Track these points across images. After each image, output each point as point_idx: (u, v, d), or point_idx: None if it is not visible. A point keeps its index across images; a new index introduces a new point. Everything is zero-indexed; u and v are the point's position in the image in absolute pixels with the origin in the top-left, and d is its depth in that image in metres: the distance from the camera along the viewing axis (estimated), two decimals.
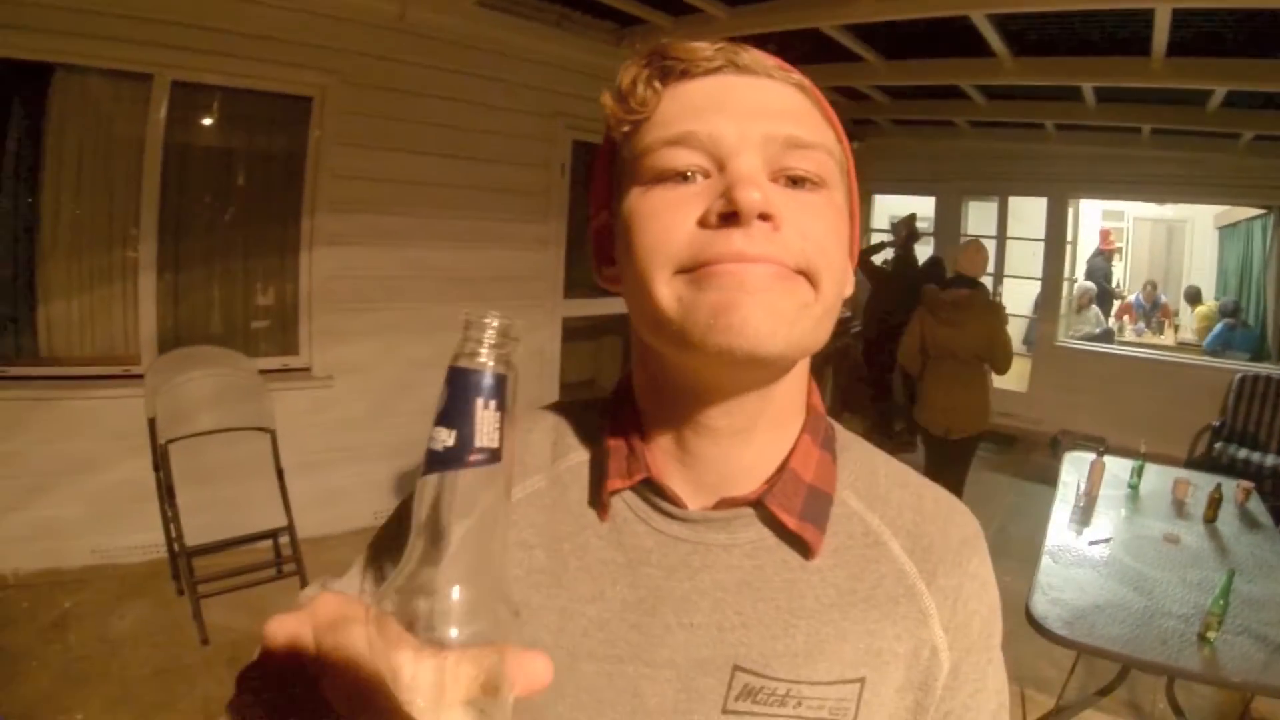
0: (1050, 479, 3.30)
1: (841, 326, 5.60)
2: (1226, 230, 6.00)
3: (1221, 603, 1.97)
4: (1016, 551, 3.42)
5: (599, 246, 0.54)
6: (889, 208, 7.42)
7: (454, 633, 0.28)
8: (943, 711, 0.51)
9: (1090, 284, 6.46)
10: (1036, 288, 6.14)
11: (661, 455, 0.51)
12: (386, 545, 0.57)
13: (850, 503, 0.53)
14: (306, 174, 3.15)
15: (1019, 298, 6.36)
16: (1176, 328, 6.30)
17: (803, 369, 0.53)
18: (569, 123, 4.05)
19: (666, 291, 0.44)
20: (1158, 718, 2.51)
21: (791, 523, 0.49)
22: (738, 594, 0.49)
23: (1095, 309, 6.39)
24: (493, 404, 0.30)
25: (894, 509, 0.53)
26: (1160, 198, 5.65)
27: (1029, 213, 6.07)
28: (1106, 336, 6.24)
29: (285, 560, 2.94)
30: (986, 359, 3.50)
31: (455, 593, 0.29)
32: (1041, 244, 5.95)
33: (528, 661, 0.30)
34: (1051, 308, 5.97)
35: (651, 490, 0.51)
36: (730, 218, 0.42)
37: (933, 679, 0.50)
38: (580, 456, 0.54)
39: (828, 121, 0.49)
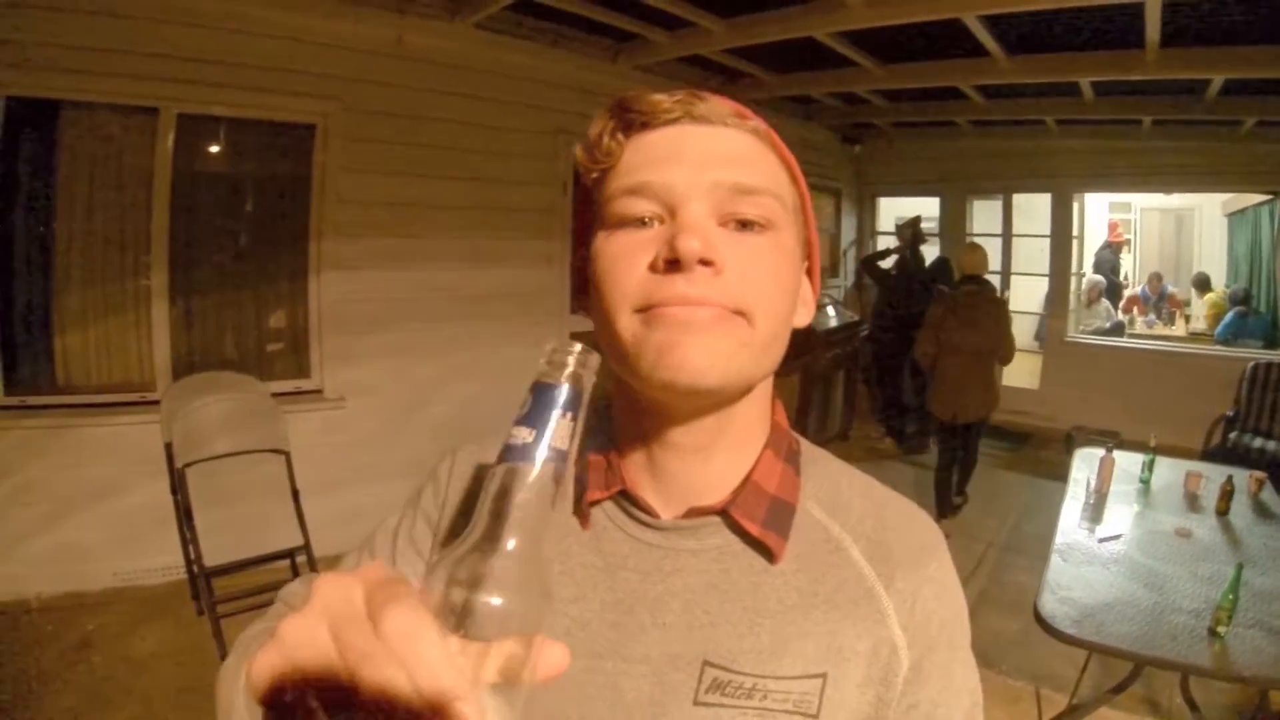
0: (1064, 475, 3.27)
1: (850, 331, 5.61)
2: (1235, 217, 5.92)
3: (1231, 597, 1.95)
4: (1030, 549, 3.48)
5: (578, 279, 0.58)
6: (895, 209, 7.43)
7: (497, 607, 0.31)
8: (906, 705, 0.53)
9: (1099, 277, 6.39)
10: (1045, 284, 6.09)
11: (635, 469, 0.55)
12: (409, 531, 0.62)
13: (813, 512, 0.56)
14: (312, 200, 3.22)
15: (1028, 295, 6.33)
16: (1188, 318, 6.21)
17: (764, 391, 0.56)
18: (570, 140, 4.09)
19: (625, 327, 0.48)
20: (1174, 713, 2.48)
21: (755, 530, 0.53)
22: (706, 595, 0.53)
23: (1105, 303, 6.32)
24: (568, 415, 0.35)
25: (855, 518, 0.57)
26: (1165, 188, 5.61)
27: (1035, 209, 6.03)
28: (1117, 330, 6.17)
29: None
30: (995, 351, 3.87)
31: (506, 574, 0.32)
32: (1048, 240, 5.91)
33: (550, 650, 0.33)
34: (1060, 304, 5.93)
35: (628, 501, 0.55)
36: (674, 264, 0.46)
37: (893, 675, 0.53)
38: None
39: (782, 164, 0.53)
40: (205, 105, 2.88)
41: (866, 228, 7.30)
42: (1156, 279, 6.54)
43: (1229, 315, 5.59)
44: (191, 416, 2.62)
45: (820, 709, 0.51)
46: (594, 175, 0.52)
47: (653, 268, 0.47)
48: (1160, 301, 6.48)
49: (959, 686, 0.56)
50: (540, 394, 0.35)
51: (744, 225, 0.49)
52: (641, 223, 0.49)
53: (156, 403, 2.84)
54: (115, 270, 2.85)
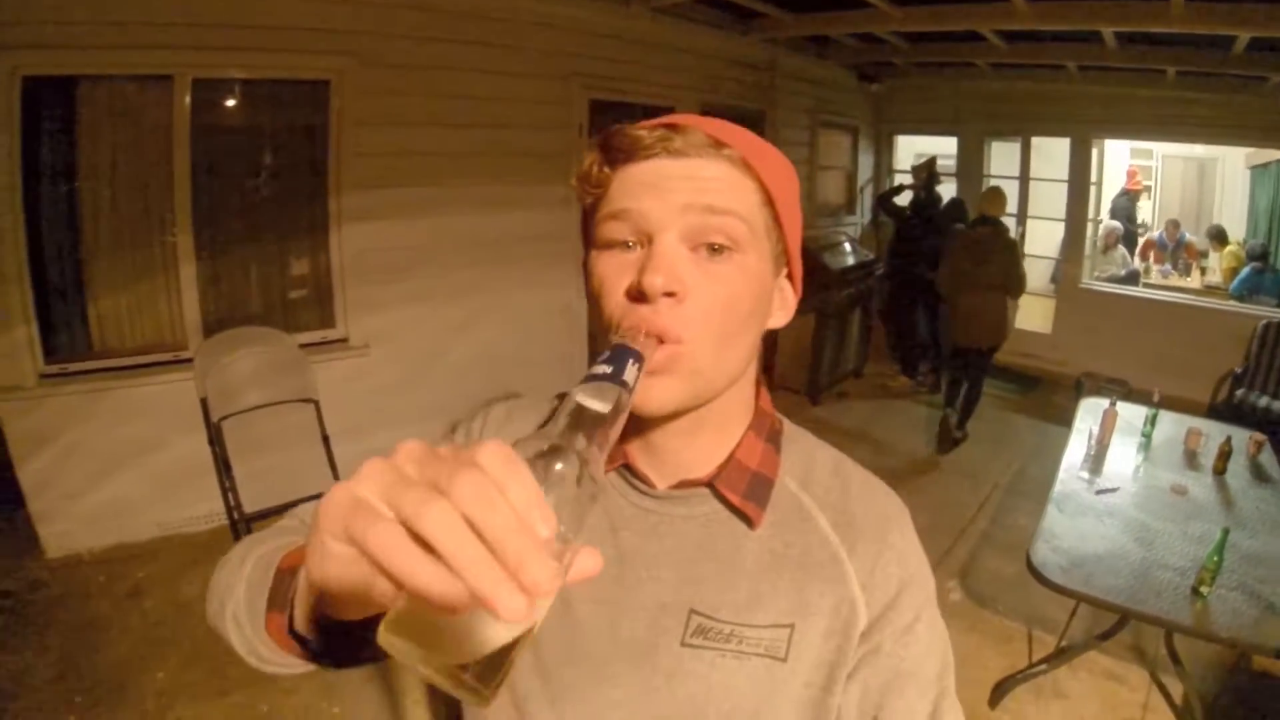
0: (1072, 421, 3.34)
1: (865, 269, 5.62)
2: (1258, 171, 5.74)
3: (1216, 559, 2.01)
4: (1033, 493, 3.53)
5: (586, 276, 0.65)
6: (912, 148, 7.29)
7: (563, 494, 0.36)
8: (864, 650, 0.62)
9: (1116, 224, 6.28)
10: (1062, 229, 5.99)
11: (634, 446, 0.64)
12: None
13: (789, 485, 0.66)
14: (330, 154, 3.23)
15: (1044, 238, 6.25)
16: (1204, 270, 6.12)
17: (745, 383, 0.64)
18: (584, 83, 4.09)
19: (606, 342, 0.55)
20: (1159, 662, 2.57)
21: (736, 500, 0.62)
22: (694, 554, 0.63)
23: (1121, 249, 6.23)
24: (636, 365, 0.45)
25: (824, 490, 0.66)
26: (1186, 139, 5.42)
27: (1054, 153, 5.88)
28: (1132, 278, 6.08)
29: None
30: (1005, 286, 4.18)
31: (571, 468, 0.37)
32: (1066, 184, 5.79)
33: (587, 554, 0.37)
34: (1076, 249, 5.85)
35: (629, 472, 0.64)
36: (641, 296, 0.52)
37: (852, 628, 0.62)
38: None
39: (758, 184, 0.57)
40: (219, 69, 2.88)
41: (883, 165, 7.18)
42: (1174, 225, 6.41)
43: (1245, 271, 5.49)
44: (224, 372, 2.71)
45: (788, 654, 0.61)
46: (588, 201, 0.59)
47: (627, 293, 0.54)
48: (1177, 249, 6.37)
49: (924, 646, 0.63)
50: (618, 349, 0.45)
51: (713, 250, 0.55)
52: (626, 245, 0.56)
53: (189, 360, 2.93)
54: (142, 235, 2.90)
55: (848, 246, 5.82)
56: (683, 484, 0.63)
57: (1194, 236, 6.39)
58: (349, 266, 3.39)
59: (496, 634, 0.32)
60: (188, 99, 2.81)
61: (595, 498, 0.38)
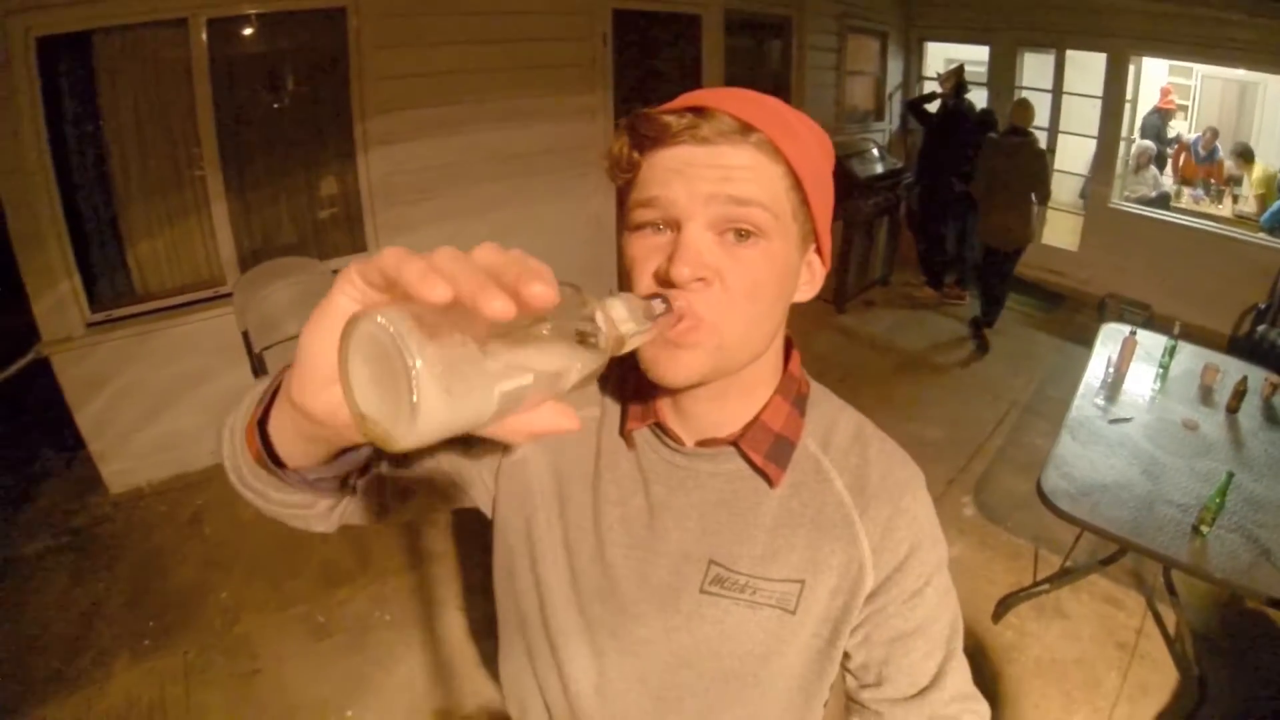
0: (1093, 342, 3.33)
1: (894, 178, 5.57)
2: None
3: (1218, 500, 2.04)
4: (1051, 413, 3.56)
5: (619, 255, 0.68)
6: (943, 55, 6.97)
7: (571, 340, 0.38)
8: (871, 609, 0.67)
9: (1149, 143, 6.04)
10: (1093, 145, 5.77)
11: (665, 406, 0.69)
12: None
13: (810, 447, 0.69)
14: (351, 81, 3.19)
15: (1074, 155, 6.02)
16: (1236, 198, 5.89)
17: (773, 352, 0.67)
18: None
19: None
20: (1158, 591, 2.67)
21: (758, 460, 0.66)
22: (717, 509, 0.68)
23: (1153, 170, 6.02)
24: (663, 304, 0.52)
25: (842, 454, 0.69)
26: (1227, 62, 5.09)
27: (1090, 67, 5.58)
28: (1163, 200, 5.87)
29: None
30: (1033, 191, 4.41)
31: (589, 324, 0.39)
32: (1100, 101, 5.53)
33: (567, 411, 0.39)
34: (1106, 169, 5.64)
35: (660, 430, 0.69)
36: (668, 282, 0.56)
37: (859, 587, 0.66)
38: (615, 397, 0.74)
39: (786, 168, 0.58)
40: (233, 6, 2.81)
41: (913, 72, 6.88)
42: (1212, 134, 6.13)
43: (1277, 203, 5.20)
44: (263, 304, 2.76)
45: (797, 607, 0.66)
46: (619, 183, 0.62)
47: (655, 276, 0.57)
48: (1210, 160, 6.13)
49: (931, 610, 0.67)
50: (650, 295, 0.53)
51: (740, 235, 0.57)
52: (655, 228, 0.58)
53: (229, 295, 3.01)
54: (172, 179, 2.92)
55: (876, 153, 5.69)
56: (710, 442, 0.68)
57: (1229, 160, 6.13)
58: (377, 189, 3.40)
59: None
60: (204, 39, 2.77)
61: (595, 374, 0.40)
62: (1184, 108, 6.30)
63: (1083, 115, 5.76)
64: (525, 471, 0.74)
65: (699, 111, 0.56)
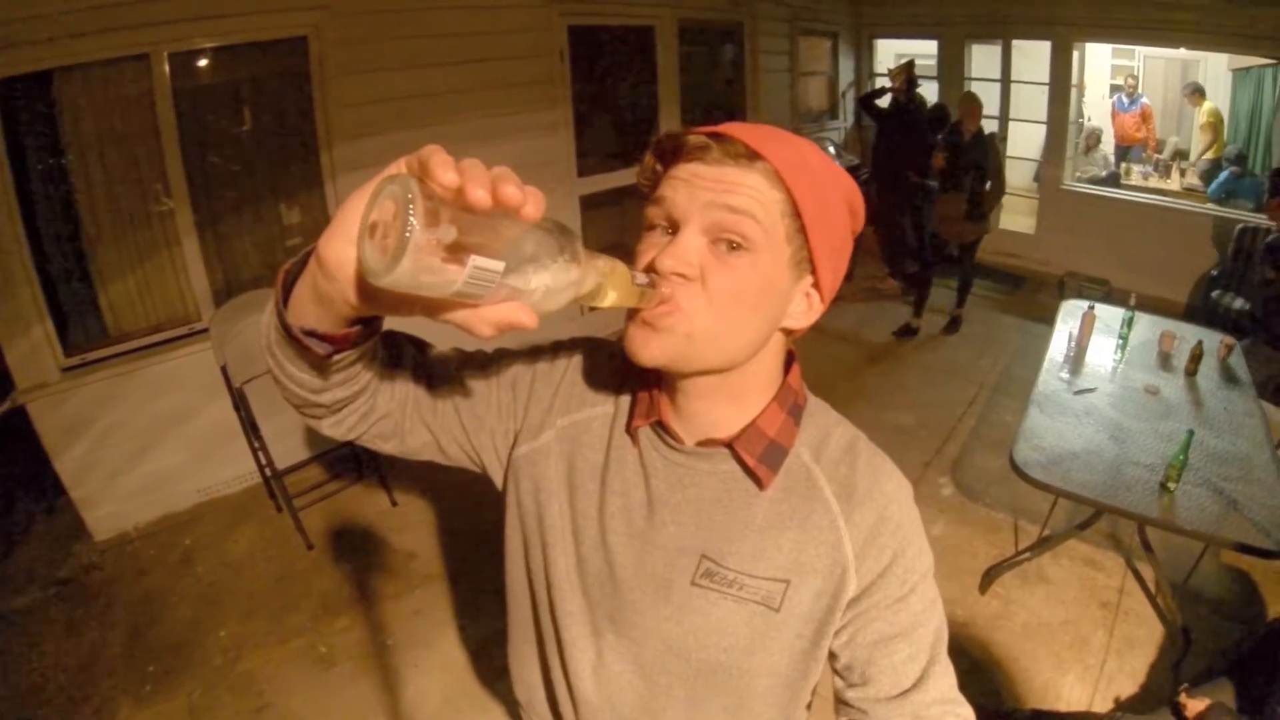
0: (1055, 320, 3.46)
1: (852, 174, 5.61)
2: (1239, 74, 5.63)
3: (1181, 458, 2.15)
4: (1019, 391, 3.65)
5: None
6: (893, 51, 7.14)
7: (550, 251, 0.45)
8: (854, 613, 0.70)
9: (1098, 125, 6.26)
10: (1043, 130, 5.96)
11: (666, 406, 0.73)
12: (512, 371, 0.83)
13: (803, 455, 0.72)
14: (315, 109, 3.20)
15: (1025, 141, 6.22)
16: (1183, 172, 6.12)
17: (768, 361, 0.70)
18: (563, 9, 4.04)
19: None
20: (1134, 549, 2.77)
21: (751, 462, 0.69)
22: (711, 506, 0.72)
23: (1103, 150, 6.24)
24: (639, 278, 0.58)
25: (833, 464, 0.72)
26: (1167, 43, 5.31)
27: (1038, 54, 5.79)
28: (1113, 179, 6.10)
29: (364, 463, 3.32)
30: (985, 186, 4.57)
31: (564, 241, 0.46)
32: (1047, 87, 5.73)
33: (524, 309, 0.46)
34: (1057, 151, 5.84)
35: (661, 428, 0.73)
36: (655, 271, 0.61)
37: (842, 591, 0.69)
38: (627, 394, 0.79)
39: (785, 196, 0.62)
40: (193, 41, 2.81)
41: (864, 69, 7.06)
42: (1132, 84, 6.37)
43: (1224, 175, 5.48)
44: (240, 338, 2.75)
45: (781, 606, 0.69)
46: (645, 190, 0.68)
47: (648, 266, 0.62)
48: (1134, 106, 6.35)
49: (915, 617, 0.69)
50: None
51: (730, 246, 0.61)
52: (663, 229, 0.64)
53: (205, 331, 2.98)
54: (141, 216, 2.90)
55: (832, 150, 5.81)
56: (708, 442, 0.71)
57: (1177, 138, 6.36)
58: None
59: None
60: (167, 75, 2.76)
61: (561, 301, 0.48)
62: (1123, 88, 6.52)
63: (1031, 102, 5.95)
64: (545, 460, 0.78)
65: (717, 136, 0.62)
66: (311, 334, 0.55)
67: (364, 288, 0.47)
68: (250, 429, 2.84)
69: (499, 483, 0.84)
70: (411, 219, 0.37)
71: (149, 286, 2.99)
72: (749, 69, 5.56)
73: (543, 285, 0.45)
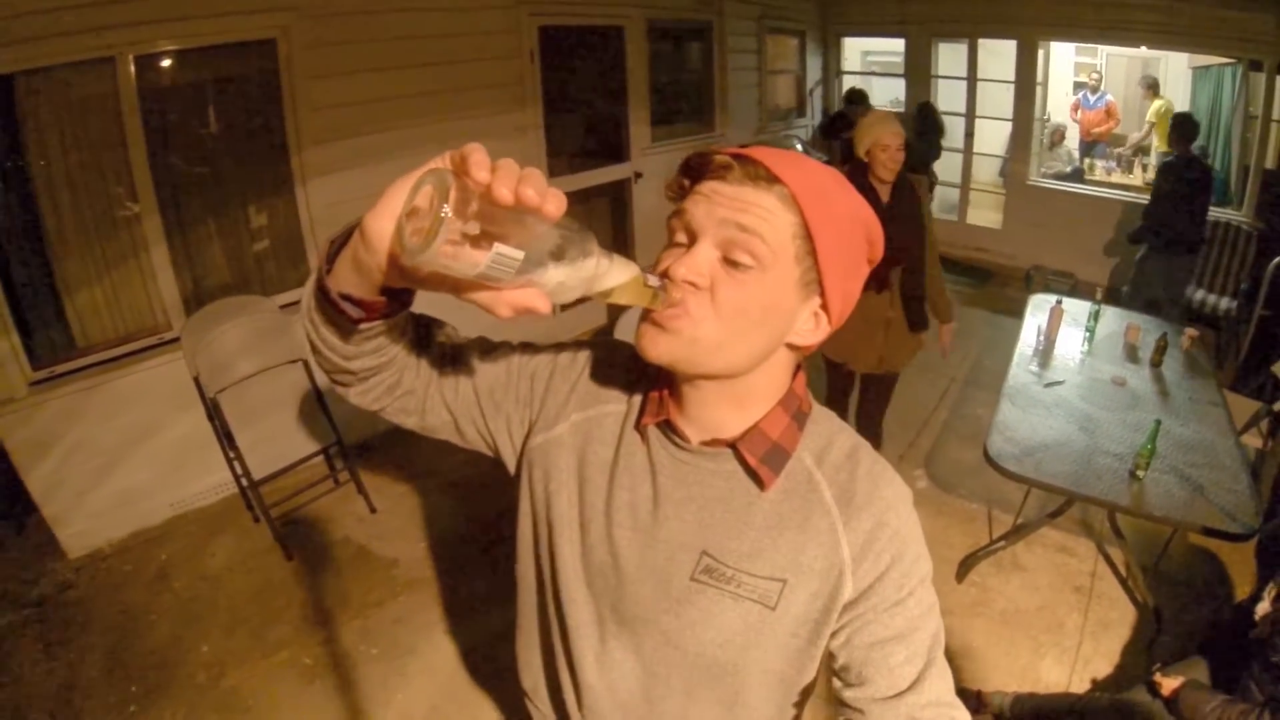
0: (1023, 313, 3.54)
1: None
2: (1199, 72, 5.79)
3: (1149, 447, 2.22)
4: (989, 383, 3.72)
5: None
6: (860, 49, 7.25)
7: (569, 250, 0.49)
8: (849, 617, 0.71)
9: (1063, 121, 6.41)
10: (1009, 128, 6.10)
11: (674, 405, 0.75)
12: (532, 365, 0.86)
13: (805, 459, 0.74)
14: (285, 113, 3.15)
15: (992, 137, 6.36)
16: (1145, 167, 6.29)
17: (774, 369, 0.73)
18: (532, 10, 4.03)
19: None
20: (1105, 536, 2.86)
21: (753, 462, 0.72)
22: (713, 504, 0.74)
23: (1067, 146, 6.38)
24: (651, 280, 0.61)
25: (834, 469, 0.74)
26: (1130, 42, 5.46)
27: (1004, 52, 5.90)
28: (1077, 175, 6.26)
29: (339, 471, 3.29)
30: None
31: (582, 240, 0.50)
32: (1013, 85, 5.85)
33: (540, 296, 0.51)
34: (1023, 148, 5.96)
35: (669, 427, 0.76)
36: (670, 278, 0.64)
37: (838, 593, 0.70)
38: (639, 394, 0.82)
39: (799, 219, 0.64)
40: (159, 43, 2.74)
41: (831, 68, 7.16)
42: (1096, 78, 6.57)
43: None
44: (211, 347, 2.72)
45: (777, 605, 0.71)
46: (671, 201, 0.72)
47: (663, 273, 0.65)
48: (1100, 103, 6.51)
49: (911, 621, 0.69)
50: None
51: (739, 263, 0.64)
52: (681, 241, 0.67)
53: (176, 340, 2.92)
54: (107, 224, 2.82)
55: (799, 148, 5.86)
56: (713, 442, 0.74)
57: (1138, 133, 6.52)
58: (318, 221, 3.36)
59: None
60: (134, 78, 2.69)
61: (574, 291, 0.52)
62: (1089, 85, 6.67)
63: (997, 99, 6.07)
64: (558, 452, 0.81)
65: (741, 158, 0.65)
66: (347, 299, 0.60)
67: (398, 262, 0.52)
68: (225, 439, 2.80)
69: (511, 468, 0.87)
70: (446, 207, 0.42)
71: (117, 296, 2.91)
72: (718, 68, 5.60)
73: (558, 277, 0.49)
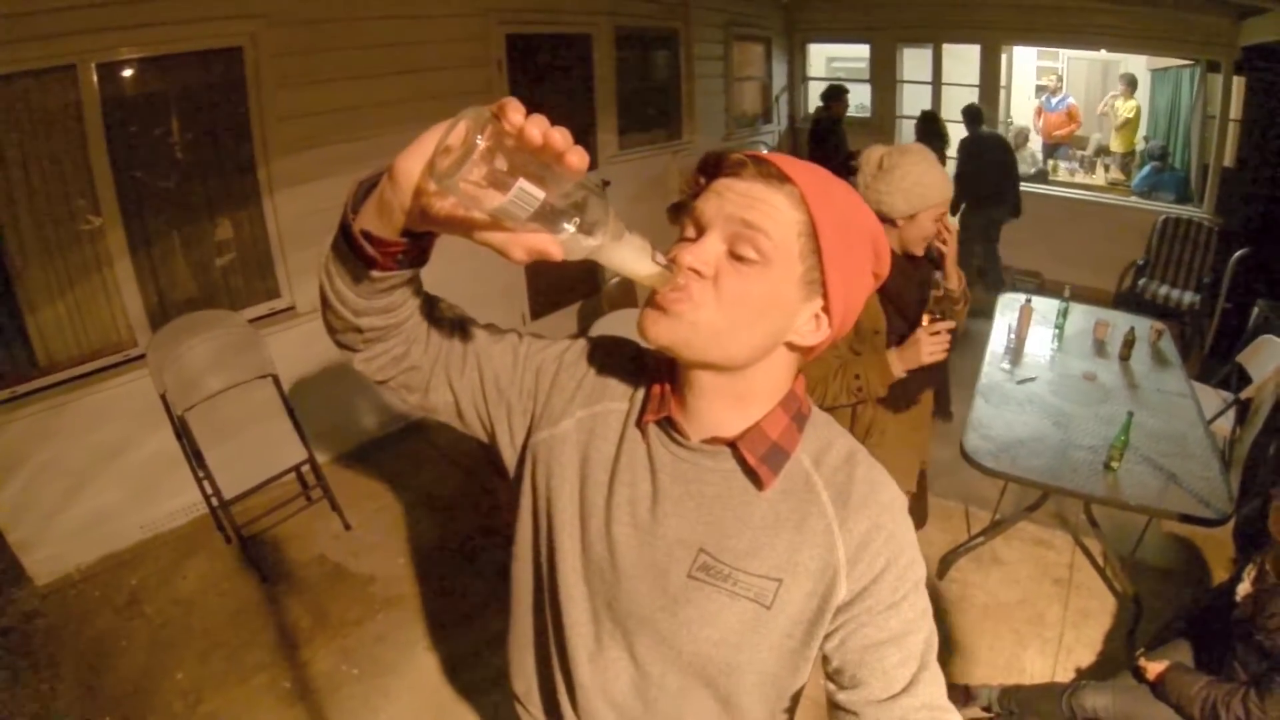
0: (993, 313, 3.58)
1: None
2: (1158, 74, 5.99)
3: (1122, 439, 2.26)
4: (963, 383, 3.66)
5: None
6: (825, 55, 7.34)
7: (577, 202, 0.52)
8: (843, 619, 0.71)
9: (1026, 124, 6.55)
10: None
11: (675, 403, 0.76)
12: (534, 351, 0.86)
13: (804, 461, 0.75)
14: (252, 122, 3.09)
15: (957, 140, 6.49)
16: (1107, 167, 6.45)
17: (774, 369, 0.73)
18: (500, 18, 4.03)
19: None
20: (1080, 528, 2.91)
21: (752, 462, 0.72)
22: (712, 502, 0.74)
23: (1031, 148, 6.52)
24: (655, 255, 0.62)
25: (832, 471, 0.75)
26: (1091, 46, 5.62)
27: (967, 57, 6.04)
28: (1041, 176, 6.39)
29: (312, 488, 3.23)
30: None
31: (593, 198, 0.53)
32: (977, 89, 5.96)
33: (553, 241, 0.52)
34: None
35: (670, 425, 0.76)
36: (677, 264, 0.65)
37: (832, 593, 0.71)
38: (642, 391, 0.82)
39: (806, 218, 0.66)
40: (122, 50, 2.67)
41: (797, 74, 7.25)
42: (1056, 82, 6.75)
43: (1146, 169, 5.80)
44: (179, 363, 2.66)
45: (772, 604, 0.72)
46: (686, 198, 0.73)
47: (671, 259, 0.66)
48: (1063, 105, 6.69)
49: (905, 624, 0.70)
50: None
51: (743, 256, 0.65)
52: (692, 235, 0.69)
53: (142, 356, 2.85)
54: (69, 238, 2.73)
55: (764, 151, 5.92)
56: (713, 440, 0.74)
57: (1099, 134, 6.69)
58: (287, 233, 3.31)
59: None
60: (96, 86, 2.62)
61: (581, 245, 0.54)
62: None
63: (962, 103, 6.17)
64: (562, 447, 0.81)
65: (755, 158, 0.67)
66: (367, 236, 0.60)
67: (421, 200, 0.54)
68: (195, 458, 2.73)
69: (506, 458, 0.87)
70: (479, 138, 0.45)
71: (80, 312, 2.82)
72: (685, 75, 5.64)
73: (571, 229, 0.52)
